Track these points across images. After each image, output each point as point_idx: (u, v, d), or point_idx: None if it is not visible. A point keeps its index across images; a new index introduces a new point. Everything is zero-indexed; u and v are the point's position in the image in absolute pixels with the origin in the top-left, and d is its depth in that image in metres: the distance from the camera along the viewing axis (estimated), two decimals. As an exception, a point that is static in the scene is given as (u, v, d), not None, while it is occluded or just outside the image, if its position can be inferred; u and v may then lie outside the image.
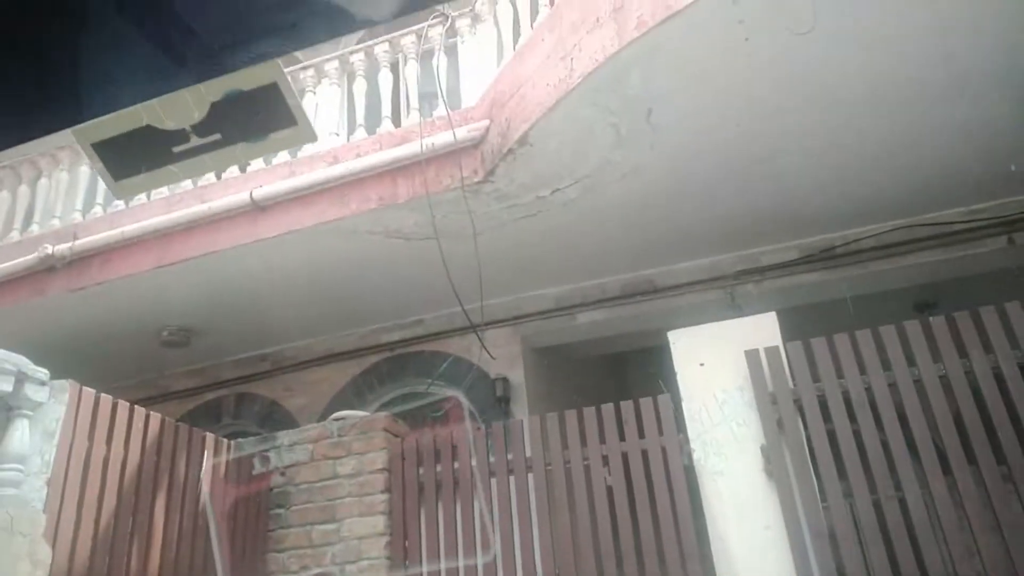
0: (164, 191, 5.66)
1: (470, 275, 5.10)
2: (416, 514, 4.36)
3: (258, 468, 4.53)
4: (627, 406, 4.26)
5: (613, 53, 3.84)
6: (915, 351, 3.92)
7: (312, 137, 1.71)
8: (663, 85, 4.07)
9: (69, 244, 5.64)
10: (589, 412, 4.32)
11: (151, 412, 4.01)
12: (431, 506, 4.38)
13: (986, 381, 3.78)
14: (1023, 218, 5.24)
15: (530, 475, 4.31)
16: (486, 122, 4.83)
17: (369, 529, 4.30)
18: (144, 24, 0.99)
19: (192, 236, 5.44)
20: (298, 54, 5.46)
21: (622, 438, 4.22)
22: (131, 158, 1.53)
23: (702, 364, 4.23)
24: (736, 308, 5.54)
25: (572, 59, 4.08)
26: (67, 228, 5.86)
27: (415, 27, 5.49)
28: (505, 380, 5.95)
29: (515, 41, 4.98)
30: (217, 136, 1.44)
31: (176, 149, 1.47)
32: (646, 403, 4.23)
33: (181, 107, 1.39)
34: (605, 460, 4.21)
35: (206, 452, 4.32)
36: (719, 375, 4.16)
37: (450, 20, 5.44)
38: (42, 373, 3.51)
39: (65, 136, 1.36)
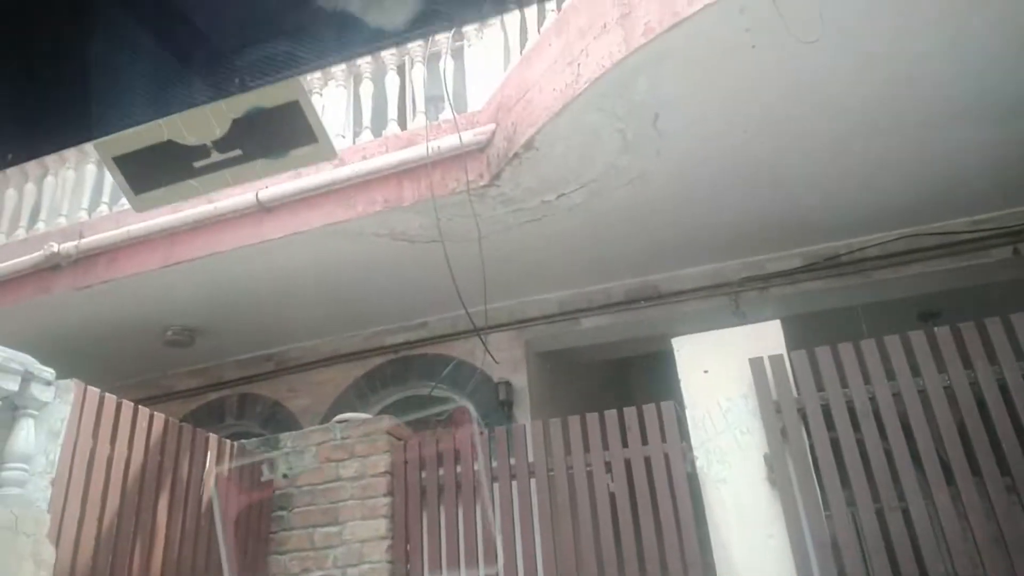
0: (170, 191, 5.66)
1: (474, 278, 5.10)
2: (418, 518, 4.37)
3: (266, 475, 4.53)
4: (630, 412, 4.26)
5: (620, 59, 3.84)
6: (920, 361, 3.92)
7: (332, 155, 1.72)
8: (670, 91, 4.07)
9: (75, 242, 5.66)
10: (592, 418, 4.31)
11: (155, 412, 4.02)
12: (433, 510, 4.38)
13: (991, 392, 3.77)
14: (1028, 229, 5.24)
15: (532, 480, 4.31)
16: (492, 126, 4.84)
17: (371, 532, 4.30)
18: (152, 26, 1.00)
19: (198, 236, 5.45)
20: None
21: (625, 444, 4.21)
22: (152, 172, 1.54)
23: (706, 371, 4.22)
24: (740, 315, 5.54)
25: (579, 64, 4.08)
26: (73, 226, 5.87)
27: (422, 30, 5.48)
28: (508, 384, 5.94)
29: (522, 46, 4.99)
30: (238, 152, 1.45)
31: (197, 164, 1.48)
32: (649, 409, 4.23)
33: (203, 123, 1.40)
34: (608, 466, 4.20)
35: (209, 453, 4.33)
36: (723, 382, 4.16)
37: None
38: (48, 373, 3.51)
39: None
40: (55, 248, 5.64)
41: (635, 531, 4.04)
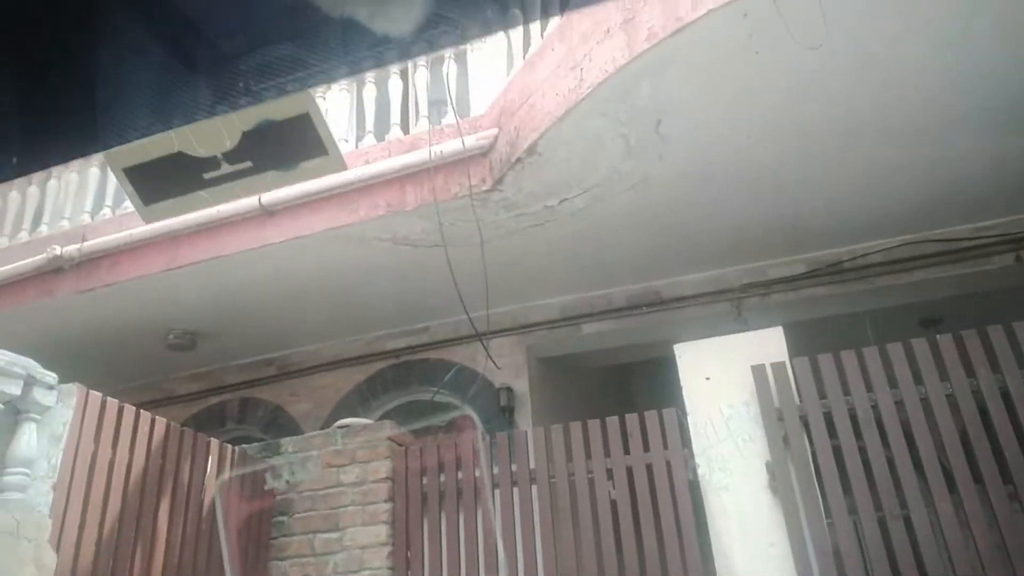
0: (173, 195, 5.67)
1: (476, 283, 5.10)
2: (419, 524, 4.36)
3: (269, 483, 4.53)
4: (632, 419, 4.25)
5: (623, 64, 3.84)
6: (922, 369, 3.91)
7: (342, 166, 1.72)
8: (673, 96, 4.06)
9: (78, 245, 5.66)
10: (594, 424, 4.31)
11: (156, 416, 4.02)
12: (434, 517, 4.37)
13: (993, 400, 3.77)
14: (1031, 235, 5.23)
15: (534, 487, 4.30)
16: (495, 130, 4.84)
17: (372, 539, 4.29)
18: (155, 29, 1.00)
19: (200, 240, 5.45)
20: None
21: (627, 451, 4.21)
22: (161, 183, 1.53)
23: (708, 378, 4.22)
24: (742, 321, 5.53)
25: (582, 69, 4.08)
26: (76, 229, 5.87)
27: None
28: (510, 390, 5.93)
29: (525, 50, 4.99)
30: (248, 164, 1.45)
31: (207, 175, 1.47)
32: (651, 416, 4.22)
33: (213, 135, 1.40)
34: (609, 473, 4.20)
35: (210, 457, 4.33)
36: (725, 390, 4.15)
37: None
38: (50, 377, 3.51)
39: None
40: (58, 251, 5.64)
41: (637, 539, 4.03)
